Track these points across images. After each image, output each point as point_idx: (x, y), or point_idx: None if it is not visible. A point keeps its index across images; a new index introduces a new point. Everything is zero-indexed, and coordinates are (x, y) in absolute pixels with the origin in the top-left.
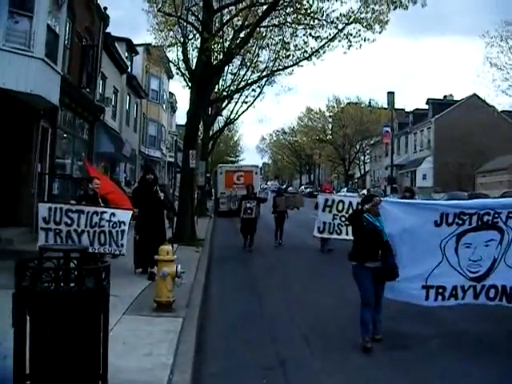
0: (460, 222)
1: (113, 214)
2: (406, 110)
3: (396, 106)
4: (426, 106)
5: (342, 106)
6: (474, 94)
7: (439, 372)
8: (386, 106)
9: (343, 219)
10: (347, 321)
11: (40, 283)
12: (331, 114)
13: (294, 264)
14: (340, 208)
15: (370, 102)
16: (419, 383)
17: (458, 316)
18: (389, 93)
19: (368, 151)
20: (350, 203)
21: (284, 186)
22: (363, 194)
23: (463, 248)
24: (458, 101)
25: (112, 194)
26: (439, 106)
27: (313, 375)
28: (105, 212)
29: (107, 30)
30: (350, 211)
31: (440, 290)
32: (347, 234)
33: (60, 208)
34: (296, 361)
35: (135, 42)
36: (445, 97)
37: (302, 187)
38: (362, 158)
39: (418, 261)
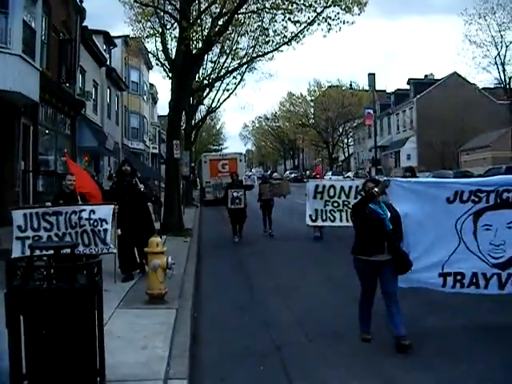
0: (476, 199)
1: (92, 212)
2: (388, 91)
3: (377, 88)
4: (408, 86)
5: (323, 89)
6: (455, 73)
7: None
8: (367, 87)
9: (335, 205)
10: (341, 305)
11: (32, 282)
12: (313, 98)
13: (285, 251)
14: (332, 193)
15: (351, 85)
16: (417, 366)
17: (487, 307)
18: (369, 74)
19: (351, 134)
20: (342, 188)
21: (269, 172)
22: (348, 177)
23: (483, 231)
24: (439, 80)
25: (88, 194)
26: (420, 85)
27: (309, 359)
28: (83, 210)
29: (84, 24)
30: (343, 196)
31: (458, 277)
32: (341, 221)
33: (36, 213)
34: (292, 346)
35: (112, 34)
36: (426, 76)
37: (287, 172)
38: (346, 140)
39: (432, 248)
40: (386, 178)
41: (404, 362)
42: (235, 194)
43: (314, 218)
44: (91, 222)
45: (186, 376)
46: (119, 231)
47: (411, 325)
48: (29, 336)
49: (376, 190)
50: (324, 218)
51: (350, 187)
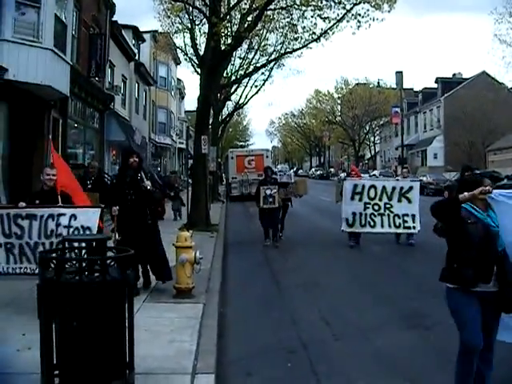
0: None
1: (73, 217)
2: (415, 90)
3: (405, 86)
4: (435, 85)
5: (350, 87)
6: (484, 72)
7: None
8: (394, 86)
9: (376, 208)
10: (368, 305)
11: (64, 274)
12: (340, 95)
13: (312, 250)
14: (372, 195)
15: (378, 83)
16: None
17: None
18: (397, 72)
19: (378, 132)
20: (384, 188)
21: (294, 169)
22: (374, 175)
23: None
24: (467, 79)
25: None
26: (448, 84)
27: (336, 358)
28: (63, 214)
29: (113, 18)
30: (384, 198)
31: None
32: (382, 226)
33: (7, 214)
34: (318, 344)
35: (141, 29)
36: (454, 75)
37: (313, 169)
38: (372, 138)
39: None
40: (487, 181)
41: (430, 363)
42: (268, 192)
43: (350, 222)
44: (71, 230)
45: (214, 370)
46: (117, 236)
47: None
48: (60, 327)
49: (466, 195)
50: (363, 222)
51: (394, 188)
